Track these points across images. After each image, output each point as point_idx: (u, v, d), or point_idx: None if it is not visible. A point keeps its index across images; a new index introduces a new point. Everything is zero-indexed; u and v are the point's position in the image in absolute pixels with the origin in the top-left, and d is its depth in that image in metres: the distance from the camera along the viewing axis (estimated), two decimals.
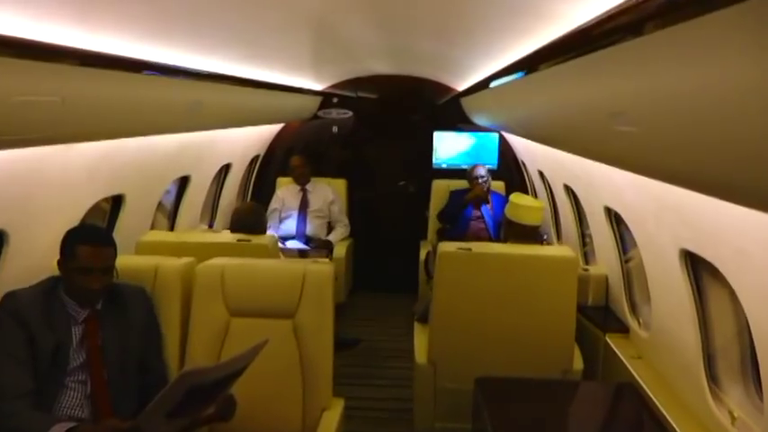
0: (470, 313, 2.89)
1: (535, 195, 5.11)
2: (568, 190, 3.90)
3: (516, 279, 2.85)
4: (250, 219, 3.31)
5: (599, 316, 3.23)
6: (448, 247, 2.92)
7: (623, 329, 3.05)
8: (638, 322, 2.97)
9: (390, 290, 5.68)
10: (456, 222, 4.94)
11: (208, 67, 2.61)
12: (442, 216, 5.16)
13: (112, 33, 1.80)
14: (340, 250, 5.03)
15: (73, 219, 2.59)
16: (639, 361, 2.77)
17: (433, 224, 5.39)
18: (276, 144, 5.85)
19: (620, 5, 0.96)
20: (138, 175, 3.10)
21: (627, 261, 3.23)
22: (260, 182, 5.78)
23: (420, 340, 3.13)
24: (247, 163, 5.35)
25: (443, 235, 5.04)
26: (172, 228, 4.00)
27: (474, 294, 2.89)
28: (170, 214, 4.05)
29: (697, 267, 2.26)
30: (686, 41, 0.86)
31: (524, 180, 5.49)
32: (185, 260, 2.50)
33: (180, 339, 2.38)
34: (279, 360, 2.33)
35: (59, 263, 2.06)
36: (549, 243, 4.51)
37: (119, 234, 3.07)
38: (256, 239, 3.06)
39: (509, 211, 3.27)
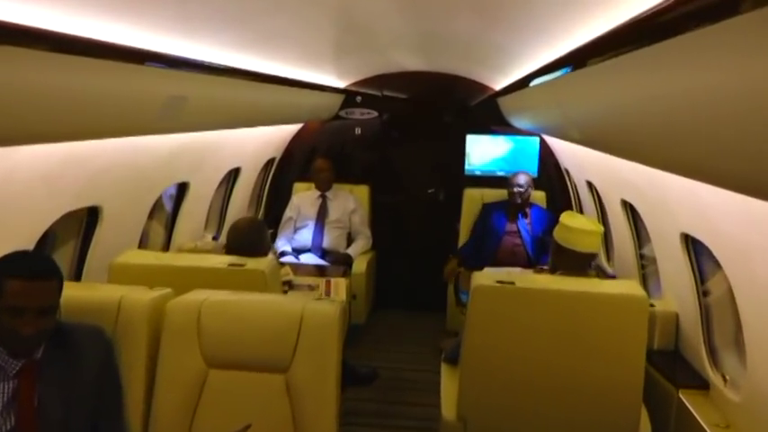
0: (511, 361, 2.34)
1: (580, 210, 4.52)
2: (627, 206, 3.31)
3: (571, 321, 2.29)
4: (249, 237, 2.79)
5: (668, 365, 2.64)
6: (484, 279, 2.37)
7: (702, 385, 2.46)
8: (724, 378, 2.38)
9: (416, 309, 5.20)
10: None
11: (197, 55, 2.12)
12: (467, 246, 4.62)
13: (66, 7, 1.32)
14: (360, 265, 4.55)
15: (27, 240, 2.13)
16: (726, 431, 2.19)
17: (464, 238, 4.83)
18: (294, 146, 5.38)
19: None
20: (118, 184, 2.63)
21: (704, 295, 2.65)
22: (276, 187, 5.31)
23: (448, 388, 2.59)
24: (261, 167, 4.89)
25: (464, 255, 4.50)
26: (168, 241, 3.54)
27: (516, 338, 2.33)
28: (167, 225, 3.60)
29: None
30: None
31: (568, 191, 4.90)
32: (157, 292, 2.02)
33: (145, 395, 1.91)
34: (266, 425, 1.83)
35: None
36: (599, 267, 3.91)
37: (94, 253, 2.61)
38: (252, 264, 2.53)
39: (559, 235, 2.67)
